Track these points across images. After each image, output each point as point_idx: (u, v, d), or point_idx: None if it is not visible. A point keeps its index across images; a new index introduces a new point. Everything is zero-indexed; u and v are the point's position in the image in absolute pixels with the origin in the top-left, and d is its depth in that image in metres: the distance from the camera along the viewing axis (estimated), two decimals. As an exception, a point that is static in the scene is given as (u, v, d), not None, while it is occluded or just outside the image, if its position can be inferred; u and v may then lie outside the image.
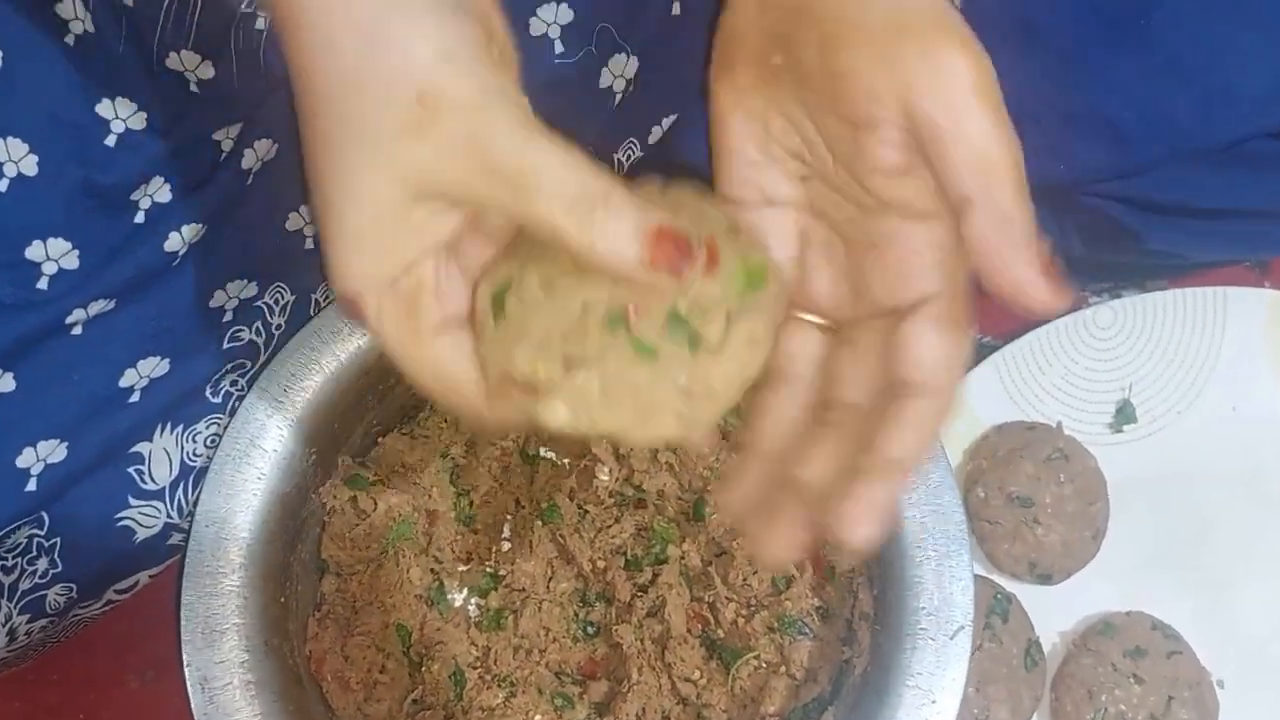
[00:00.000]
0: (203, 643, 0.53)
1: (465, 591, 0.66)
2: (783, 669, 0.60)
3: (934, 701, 0.53)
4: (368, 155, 0.36)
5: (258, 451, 0.56)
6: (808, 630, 0.60)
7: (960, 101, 0.34)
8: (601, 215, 0.34)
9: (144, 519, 0.57)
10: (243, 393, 0.59)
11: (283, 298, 0.61)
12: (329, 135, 0.37)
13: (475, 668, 0.64)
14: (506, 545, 0.67)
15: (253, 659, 0.53)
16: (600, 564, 0.65)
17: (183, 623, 0.53)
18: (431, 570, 0.65)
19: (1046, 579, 0.67)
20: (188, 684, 0.52)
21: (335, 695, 0.60)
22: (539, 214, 0.35)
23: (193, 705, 0.51)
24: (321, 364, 0.58)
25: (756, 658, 0.61)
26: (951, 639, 0.54)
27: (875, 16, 0.35)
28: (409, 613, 0.63)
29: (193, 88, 0.54)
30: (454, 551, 0.66)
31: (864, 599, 0.59)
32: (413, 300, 0.39)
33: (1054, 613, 0.68)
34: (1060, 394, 0.71)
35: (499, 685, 0.63)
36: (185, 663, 0.52)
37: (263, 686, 0.53)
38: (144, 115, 0.53)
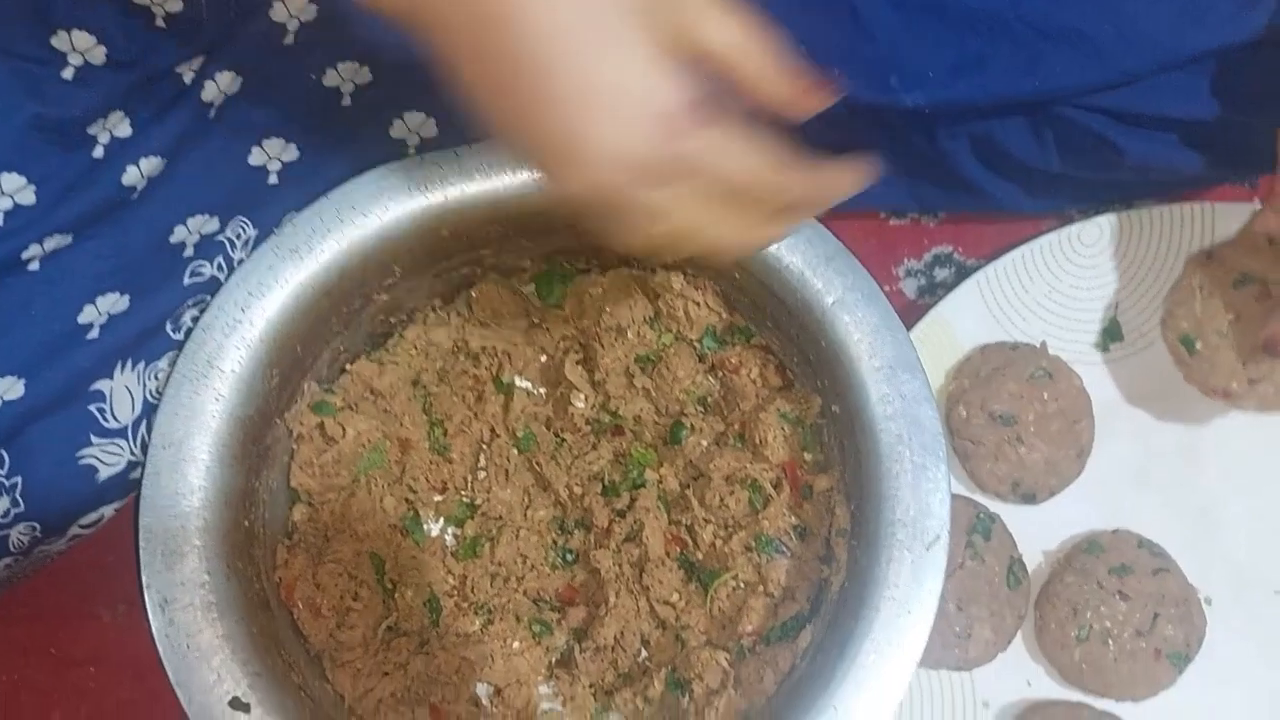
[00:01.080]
0: (162, 565, 0.52)
1: (441, 522, 0.65)
2: (761, 588, 0.59)
3: (910, 612, 0.52)
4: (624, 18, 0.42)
5: (215, 372, 0.55)
6: (785, 549, 0.59)
7: None
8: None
9: (106, 457, 0.56)
10: None
11: (245, 232, 0.59)
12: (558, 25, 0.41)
13: (451, 595, 0.63)
14: (482, 474, 0.66)
15: (214, 581, 0.52)
16: (578, 490, 0.65)
17: (141, 545, 0.52)
18: (406, 500, 0.64)
19: (1030, 498, 0.66)
20: (147, 605, 0.51)
21: (306, 621, 0.59)
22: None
23: (152, 627, 0.51)
24: (279, 283, 0.57)
25: (734, 578, 0.60)
26: (928, 550, 0.53)
27: None
28: (382, 542, 0.62)
29: (159, 22, 0.52)
30: (429, 481, 0.65)
31: (841, 515, 0.58)
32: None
33: (1038, 532, 0.66)
34: (1044, 313, 0.70)
35: (476, 613, 0.63)
36: (145, 584, 0.52)
37: (225, 609, 0.52)
38: (103, 49, 0.51)
